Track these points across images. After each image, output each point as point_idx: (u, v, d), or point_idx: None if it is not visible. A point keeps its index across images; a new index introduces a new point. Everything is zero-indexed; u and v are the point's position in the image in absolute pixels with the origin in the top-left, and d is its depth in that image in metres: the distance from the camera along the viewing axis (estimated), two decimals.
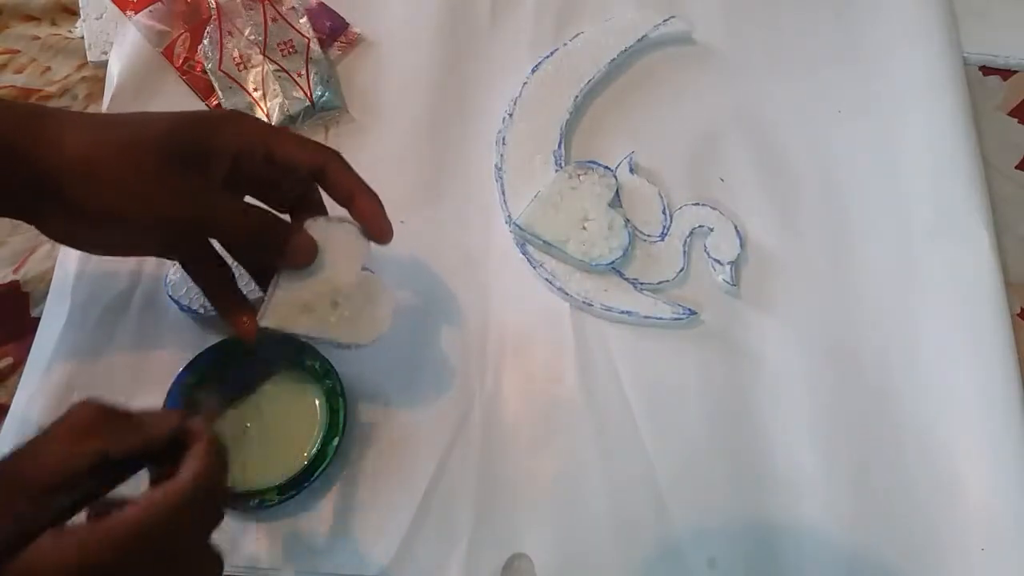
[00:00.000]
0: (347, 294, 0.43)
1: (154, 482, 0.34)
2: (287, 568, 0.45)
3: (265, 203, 0.44)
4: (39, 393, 0.48)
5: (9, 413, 0.48)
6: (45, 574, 0.28)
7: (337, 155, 0.43)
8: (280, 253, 0.42)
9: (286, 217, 0.45)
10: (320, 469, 0.45)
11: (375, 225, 0.43)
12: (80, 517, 0.32)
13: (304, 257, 0.42)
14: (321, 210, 0.45)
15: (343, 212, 0.44)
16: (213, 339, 0.48)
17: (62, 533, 0.29)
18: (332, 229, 0.43)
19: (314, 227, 0.43)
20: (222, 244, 0.44)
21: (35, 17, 0.61)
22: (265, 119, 0.55)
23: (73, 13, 0.61)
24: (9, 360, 0.50)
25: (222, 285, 0.44)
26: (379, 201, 0.43)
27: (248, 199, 0.44)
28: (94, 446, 0.31)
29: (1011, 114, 0.58)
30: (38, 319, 0.51)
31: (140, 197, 0.38)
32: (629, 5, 0.59)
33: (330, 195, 0.44)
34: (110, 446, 0.31)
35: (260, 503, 0.44)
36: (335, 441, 0.45)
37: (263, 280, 0.45)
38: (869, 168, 0.55)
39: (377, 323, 0.44)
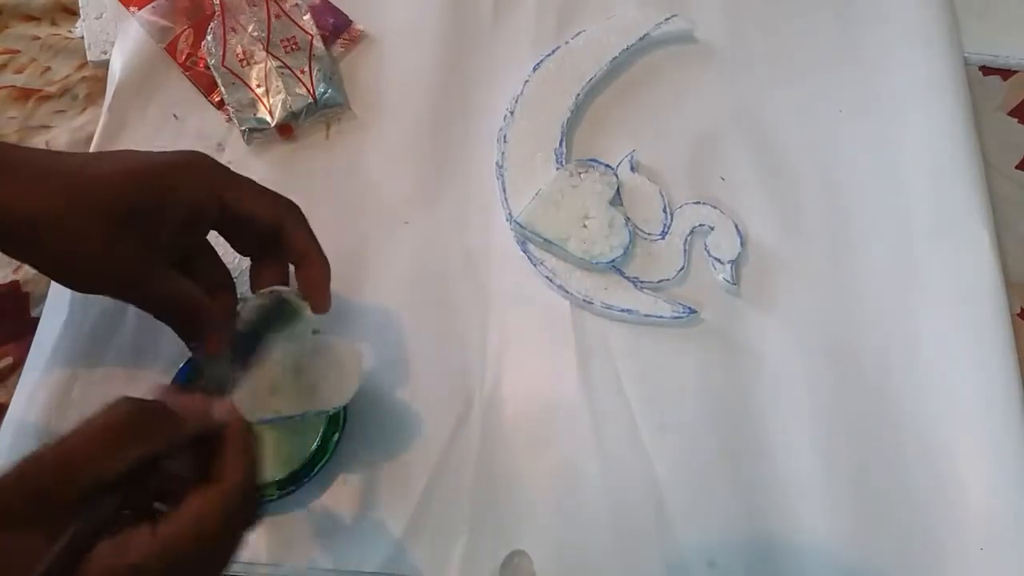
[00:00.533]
0: (307, 362, 0.42)
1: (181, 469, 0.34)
2: (286, 563, 0.45)
3: (231, 244, 0.44)
4: (38, 393, 0.48)
5: (8, 412, 0.48)
6: None
7: (295, 211, 0.42)
8: (195, 339, 0.41)
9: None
10: (320, 465, 0.45)
11: (315, 294, 0.42)
12: None
13: (213, 350, 0.40)
14: (283, 257, 0.43)
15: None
16: None
17: (118, 545, 0.29)
18: (269, 302, 0.41)
19: (250, 305, 0.41)
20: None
21: (35, 17, 0.61)
22: (268, 115, 0.55)
23: (73, 13, 0.61)
24: (9, 360, 0.50)
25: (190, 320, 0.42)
26: (327, 269, 0.42)
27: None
28: (136, 450, 0.30)
29: (1011, 114, 0.58)
30: (38, 319, 0.51)
31: (76, 257, 0.38)
32: (631, 3, 0.59)
33: (284, 252, 0.42)
34: (151, 448, 0.31)
35: (260, 498, 0.44)
36: (335, 437, 0.46)
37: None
38: (869, 168, 0.55)
39: (345, 382, 0.42)
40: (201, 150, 0.42)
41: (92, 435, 0.30)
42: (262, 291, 0.42)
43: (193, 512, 0.31)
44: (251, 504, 0.34)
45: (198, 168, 0.41)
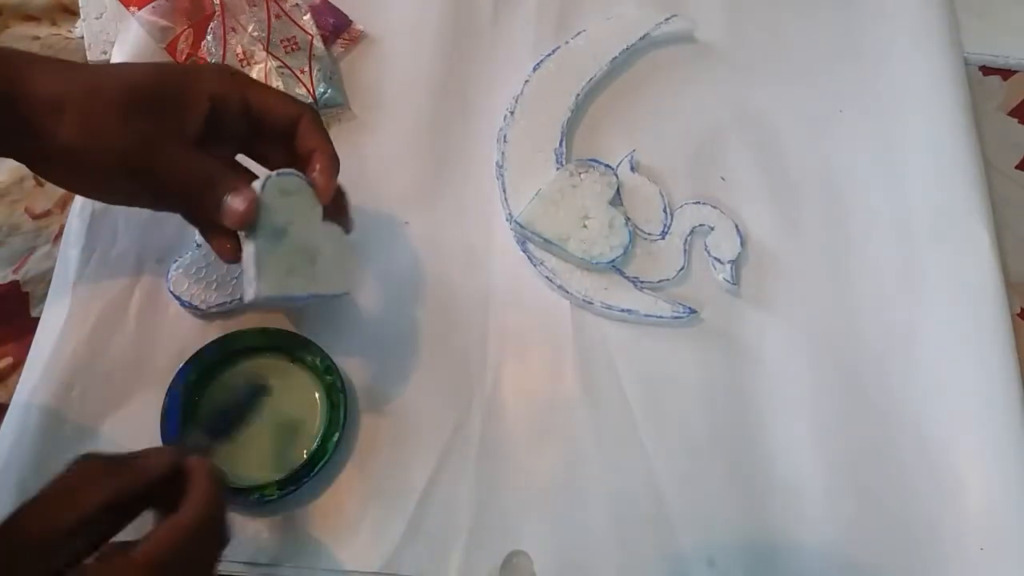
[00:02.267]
0: (319, 246, 0.43)
1: (159, 519, 0.36)
2: (286, 563, 0.45)
3: (256, 159, 0.45)
4: (39, 391, 0.48)
5: (9, 411, 0.48)
6: None
7: (313, 110, 0.43)
8: (215, 211, 0.41)
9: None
10: (320, 464, 0.45)
11: (321, 183, 0.42)
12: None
13: (235, 220, 0.40)
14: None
15: None
16: (213, 336, 0.48)
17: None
18: (284, 183, 0.42)
19: (268, 184, 0.41)
20: (166, 194, 0.42)
21: (35, 17, 0.61)
22: None
23: (73, 13, 0.61)
24: (9, 360, 0.50)
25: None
26: (335, 162, 0.43)
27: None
28: (102, 494, 0.32)
29: (1011, 114, 0.58)
30: (38, 319, 0.51)
31: (97, 134, 0.38)
32: (631, 3, 0.60)
33: (296, 147, 0.43)
34: (116, 491, 0.33)
35: (260, 498, 0.44)
36: (335, 437, 0.45)
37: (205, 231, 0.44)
38: (870, 168, 0.55)
39: (352, 270, 0.44)
40: None
41: (62, 487, 0.33)
42: (279, 172, 0.42)
43: (158, 538, 0.33)
44: (214, 531, 0.36)
45: (224, 70, 0.43)
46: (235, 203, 0.40)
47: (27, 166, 0.41)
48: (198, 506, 0.34)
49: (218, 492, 0.36)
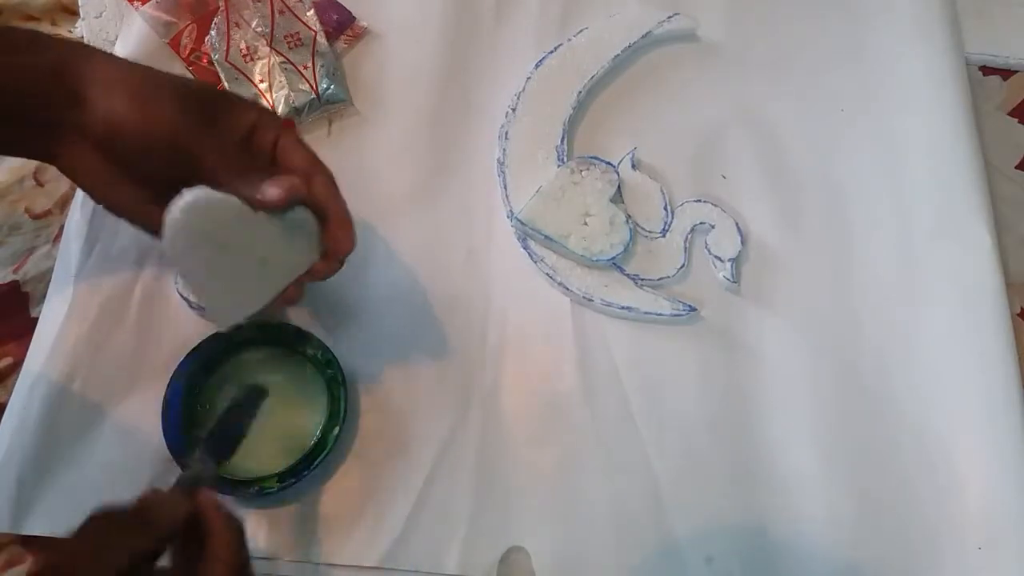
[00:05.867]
0: (266, 245, 0.41)
1: (177, 563, 0.35)
2: (285, 556, 0.45)
3: None
4: (40, 383, 0.48)
5: (9, 404, 0.48)
6: None
7: (326, 172, 0.42)
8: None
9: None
10: (320, 458, 0.45)
11: (339, 244, 0.42)
12: None
13: (274, 201, 0.40)
14: None
15: None
16: (215, 329, 0.48)
17: None
18: (204, 204, 0.39)
19: (186, 208, 0.38)
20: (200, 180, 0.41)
21: (35, 17, 0.61)
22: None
23: (73, 13, 0.61)
24: (9, 360, 0.50)
25: None
26: (348, 225, 0.43)
27: None
28: (119, 559, 0.31)
29: (1011, 114, 0.58)
30: (38, 319, 0.51)
31: (149, 110, 0.39)
32: (633, 1, 0.60)
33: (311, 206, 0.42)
34: (133, 553, 0.32)
35: (259, 490, 0.44)
36: (335, 430, 0.46)
37: None
38: (870, 167, 0.55)
39: (312, 234, 0.43)
40: None
41: (77, 553, 0.32)
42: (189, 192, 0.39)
43: None
44: None
45: (266, 111, 0.44)
46: (272, 189, 0.40)
47: (45, 157, 0.41)
48: (220, 565, 0.34)
49: (238, 543, 0.35)
